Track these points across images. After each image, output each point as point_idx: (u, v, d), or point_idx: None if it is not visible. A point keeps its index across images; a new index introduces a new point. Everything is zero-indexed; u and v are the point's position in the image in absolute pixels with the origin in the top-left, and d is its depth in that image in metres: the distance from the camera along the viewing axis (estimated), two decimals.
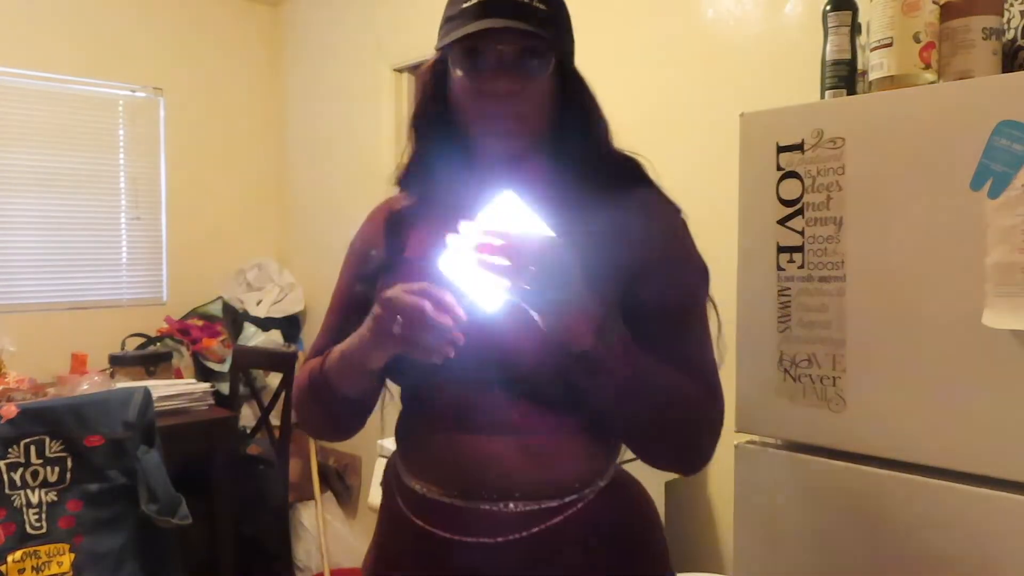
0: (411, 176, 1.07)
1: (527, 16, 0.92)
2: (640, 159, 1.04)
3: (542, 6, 0.93)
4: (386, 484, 1.08)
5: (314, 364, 1.03)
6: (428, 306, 0.83)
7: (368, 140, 3.13)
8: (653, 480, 1.38)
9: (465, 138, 1.00)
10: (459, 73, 0.96)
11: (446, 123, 1.01)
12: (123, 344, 3.18)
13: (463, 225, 0.82)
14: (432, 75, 1.03)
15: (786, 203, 1.34)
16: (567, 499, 0.95)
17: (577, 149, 1.01)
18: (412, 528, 0.98)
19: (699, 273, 1.01)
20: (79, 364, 2.89)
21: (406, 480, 1.00)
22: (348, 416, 1.05)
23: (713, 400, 0.97)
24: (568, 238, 0.85)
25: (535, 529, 0.93)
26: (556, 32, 0.96)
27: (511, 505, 0.93)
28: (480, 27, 0.90)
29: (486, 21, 0.91)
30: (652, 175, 1.04)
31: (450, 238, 0.83)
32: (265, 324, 3.33)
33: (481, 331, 0.88)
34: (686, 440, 0.95)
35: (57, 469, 2.11)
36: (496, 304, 0.84)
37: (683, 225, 1.03)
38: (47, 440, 2.10)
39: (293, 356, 2.99)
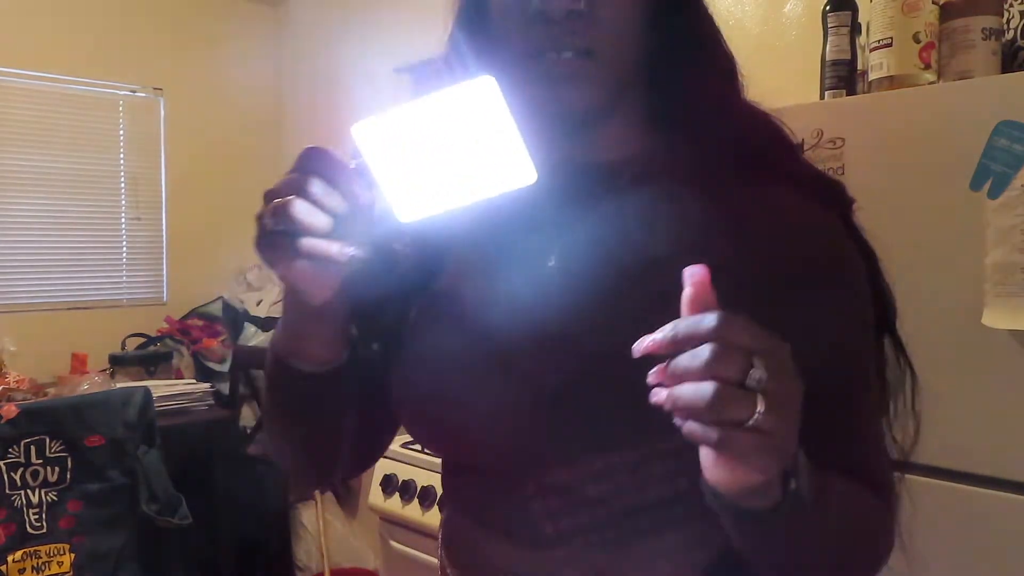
0: None
1: None
2: (783, 127, 0.69)
3: None
4: None
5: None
6: (313, 184, 0.53)
7: None
8: None
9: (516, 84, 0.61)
10: None
11: (488, 59, 0.66)
12: (123, 344, 3.17)
13: (420, 103, 0.52)
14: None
15: None
16: None
17: (686, 105, 0.65)
18: None
19: (861, 319, 0.66)
20: (79, 364, 2.89)
21: None
22: (327, 418, 0.70)
23: (892, 511, 0.67)
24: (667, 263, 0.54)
25: None
26: None
27: None
28: None
29: None
30: (799, 155, 0.70)
31: (397, 109, 0.53)
32: (265, 324, 3.32)
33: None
34: (872, 567, 0.68)
35: (57, 469, 2.11)
36: (417, 213, 0.55)
37: (842, 247, 0.65)
38: (47, 440, 2.10)
39: None
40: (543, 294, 0.64)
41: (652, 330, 0.49)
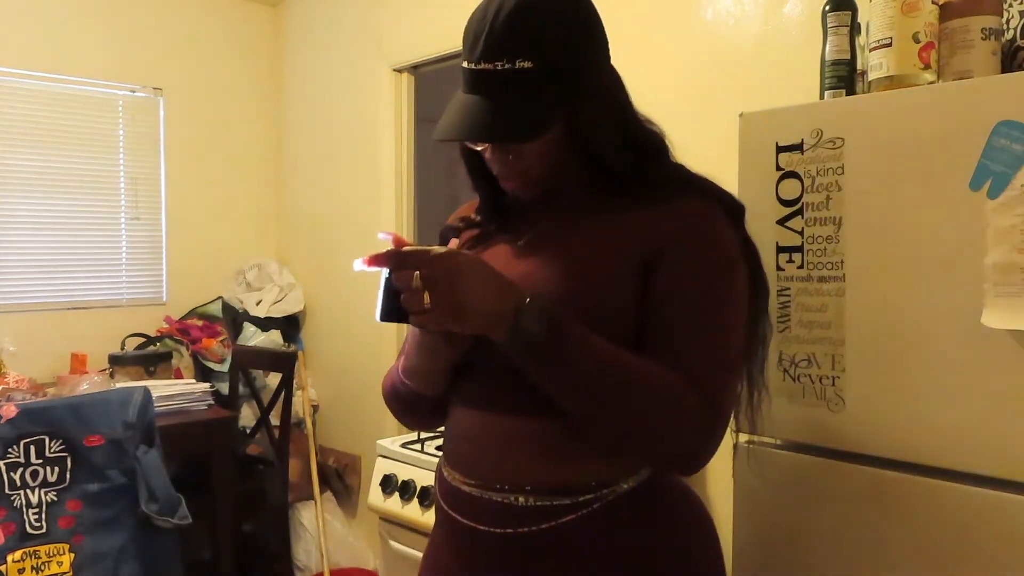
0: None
1: (513, 87, 0.92)
2: (691, 169, 1.03)
3: (527, 63, 0.90)
4: (436, 472, 1.14)
5: (395, 368, 1.10)
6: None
7: (368, 140, 3.13)
8: None
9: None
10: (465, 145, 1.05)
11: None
12: (123, 344, 3.18)
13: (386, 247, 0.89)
14: None
15: (785, 203, 1.34)
16: (581, 498, 0.94)
17: (601, 162, 1.01)
18: (444, 514, 1.06)
19: (716, 267, 0.95)
20: (79, 364, 2.90)
21: (442, 467, 1.08)
22: (440, 412, 1.11)
23: (704, 403, 0.90)
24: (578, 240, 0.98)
25: (544, 525, 0.94)
26: (546, 85, 0.92)
27: (520, 499, 0.95)
28: (450, 137, 0.96)
29: (464, 107, 0.95)
30: (689, 172, 1.02)
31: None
32: (265, 324, 3.33)
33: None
34: (661, 445, 0.91)
35: (57, 469, 2.11)
36: (382, 316, 0.90)
37: (709, 218, 0.97)
38: (47, 440, 2.10)
39: (293, 356, 2.99)
40: (513, 260, 1.02)
41: (578, 283, 0.95)
